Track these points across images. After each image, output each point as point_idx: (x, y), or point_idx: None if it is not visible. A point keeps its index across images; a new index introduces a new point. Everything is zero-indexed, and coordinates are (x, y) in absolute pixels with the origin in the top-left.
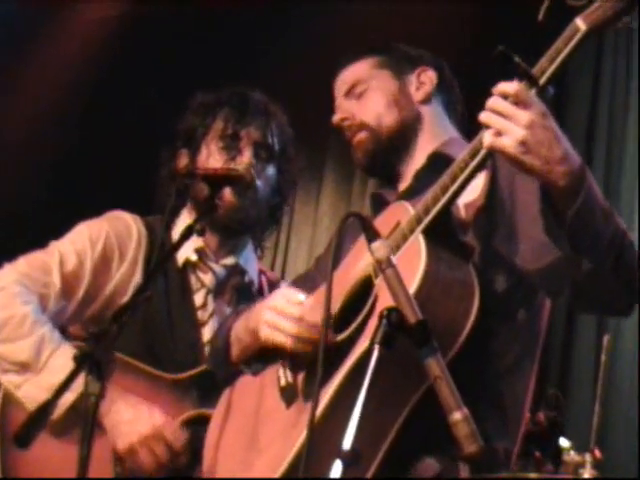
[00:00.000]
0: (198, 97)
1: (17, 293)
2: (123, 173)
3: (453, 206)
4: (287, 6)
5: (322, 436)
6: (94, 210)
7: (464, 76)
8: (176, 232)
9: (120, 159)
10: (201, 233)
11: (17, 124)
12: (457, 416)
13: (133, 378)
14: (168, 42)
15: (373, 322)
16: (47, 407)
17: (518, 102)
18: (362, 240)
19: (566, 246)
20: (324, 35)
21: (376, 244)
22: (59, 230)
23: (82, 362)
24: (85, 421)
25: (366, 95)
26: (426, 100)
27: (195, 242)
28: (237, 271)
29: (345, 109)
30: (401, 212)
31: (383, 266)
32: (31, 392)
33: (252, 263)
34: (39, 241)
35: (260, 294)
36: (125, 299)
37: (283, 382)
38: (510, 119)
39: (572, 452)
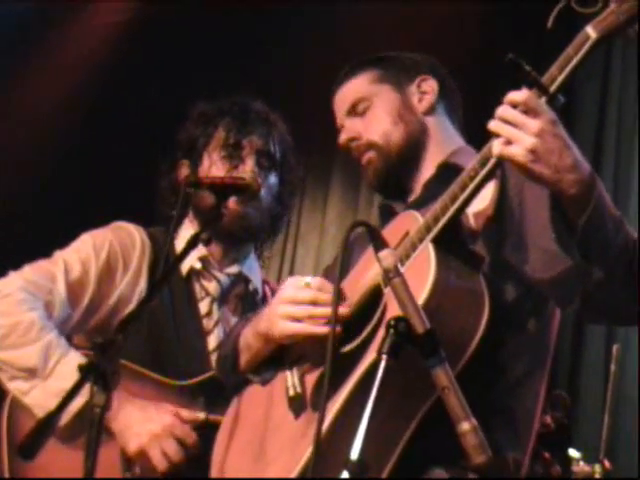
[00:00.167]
0: (198, 107)
1: (23, 300)
2: (130, 181)
3: (462, 215)
4: (290, 6)
5: (331, 447)
6: (96, 221)
7: (466, 77)
8: (179, 242)
9: (126, 166)
10: (207, 242)
11: (23, 127)
12: (465, 426)
13: (140, 385)
14: (176, 47)
15: (382, 332)
16: (51, 418)
17: (528, 110)
18: (371, 249)
19: (576, 255)
20: (326, 37)
21: (383, 253)
22: (62, 240)
23: (87, 372)
24: (90, 432)
25: (370, 113)
26: (430, 111)
27: (199, 251)
28: (241, 279)
29: (350, 129)
30: (410, 221)
31: (390, 275)
32: (39, 398)
33: (256, 272)
34: (42, 251)
35: (264, 303)
36: (129, 308)
37: (292, 392)
38: (520, 128)
39: (582, 463)
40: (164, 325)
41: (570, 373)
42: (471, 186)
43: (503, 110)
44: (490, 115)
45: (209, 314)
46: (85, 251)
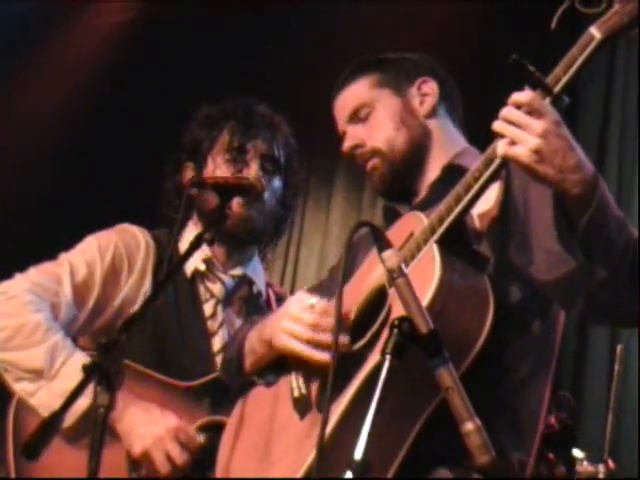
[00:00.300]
0: (203, 109)
1: (29, 301)
2: (132, 182)
3: (467, 216)
4: (290, 6)
5: (336, 448)
6: (98, 223)
7: (466, 77)
8: (183, 244)
9: (128, 166)
10: (211, 243)
11: (24, 128)
12: (469, 427)
13: (145, 386)
14: (177, 47)
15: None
16: (55, 419)
17: (532, 111)
18: (375, 250)
19: (579, 255)
20: (326, 37)
21: (387, 253)
22: (64, 242)
23: (91, 372)
24: (94, 433)
25: (372, 119)
26: (432, 113)
27: (203, 252)
28: (245, 282)
29: (353, 136)
30: (415, 222)
31: (394, 275)
32: (45, 399)
33: (260, 274)
34: (44, 254)
35: (268, 306)
36: (134, 308)
37: (296, 393)
38: (524, 128)
39: (585, 462)
40: (168, 326)
41: (574, 373)
42: (475, 187)
43: (507, 111)
44: (491, 115)
45: (213, 316)
46: (90, 253)
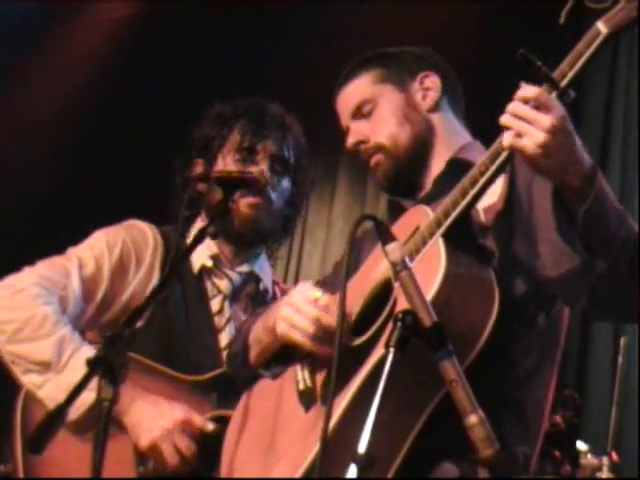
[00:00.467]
0: (215, 107)
1: (37, 295)
2: (135, 180)
3: (472, 210)
4: (290, 6)
5: (340, 441)
6: (99, 221)
7: (467, 77)
8: (191, 240)
9: (132, 164)
10: (214, 236)
11: (30, 124)
12: (473, 419)
13: (153, 380)
14: (177, 47)
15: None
16: (60, 413)
17: (539, 106)
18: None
19: (580, 248)
20: (326, 37)
21: (391, 246)
22: (66, 240)
23: (95, 366)
24: (98, 426)
25: (375, 114)
26: (435, 108)
27: (210, 249)
28: (252, 278)
29: (357, 132)
30: (421, 216)
31: (398, 268)
32: (52, 392)
33: (266, 272)
34: (53, 249)
35: (274, 303)
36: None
37: (302, 386)
38: (531, 123)
39: (589, 455)
40: (176, 321)
41: (578, 366)
42: (481, 181)
43: (515, 106)
44: (492, 113)
45: (221, 312)
46: (98, 248)
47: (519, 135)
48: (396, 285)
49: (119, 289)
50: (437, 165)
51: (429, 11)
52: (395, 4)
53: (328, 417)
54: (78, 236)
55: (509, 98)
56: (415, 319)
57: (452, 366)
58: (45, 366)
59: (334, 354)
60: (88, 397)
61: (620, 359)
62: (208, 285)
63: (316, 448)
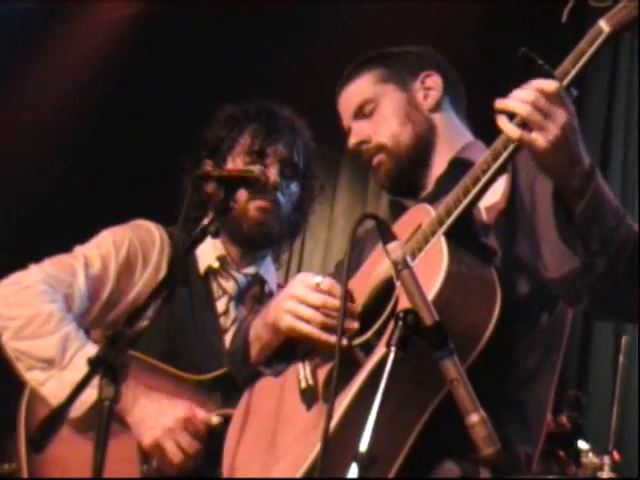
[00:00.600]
0: (226, 109)
1: (43, 292)
2: (137, 179)
3: (474, 209)
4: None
5: (342, 440)
6: (107, 220)
7: (467, 77)
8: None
9: (132, 163)
10: (215, 235)
11: (30, 124)
12: (474, 418)
13: (157, 379)
14: (177, 47)
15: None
16: (60, 412)
17: (554, 101)
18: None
19: (579, 248)
20: (326, 37)
21: (392, 245)
22: (73, 238)
23: (96, 366)
24: (99, 426)
25: (377, 114)
26: (436, 107)
27: (217, 250)
28: (257, 281)
29: (358, 132)
30: (423, 214)
31: (399, 267)
32: (55, 389)
33: (272, 275)
34: (53, 249)
35: None
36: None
37: (303, 384)
38: (548, 117)
39: (591, 454)
40: (182, 321)
41: (579, 365)
42: (483, 179)
43: (536, 98)
44: (493, 111)
45: (226, 313)
46: (105, 247)
47: (530, 128)
48: (398, 284)
49: (125, 289)
50: (439, 165)
51: (429, 11)
52: (395, 4)
53: (329, 416)
54: (78, 236)
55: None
56: (416, 318)
57: (453, 365)
58: (49, 363)
59: (336, 352)
60: (91, 395)
61: (621, 358)
62: (214, 286)
63: (318, 447)
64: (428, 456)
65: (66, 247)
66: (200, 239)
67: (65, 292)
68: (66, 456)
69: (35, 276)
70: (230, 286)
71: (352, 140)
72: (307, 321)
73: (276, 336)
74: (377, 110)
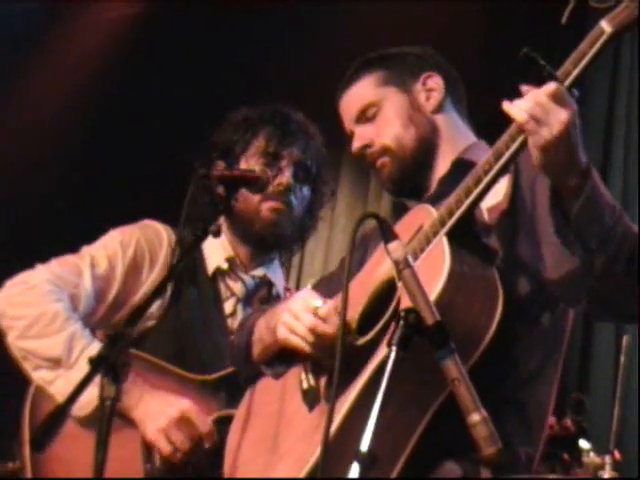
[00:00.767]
0: (240, 111)
1: (49, 291)
2: (137, 179)
3: (476, 209)
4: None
5: (344, 440)
6: (108, 220)
7: (467, 77)
8: (207, 244)
9: (132, 163)
10: (216, 234)
11: (30, 124)
12: (475, 418)
13: (162, 379)
14: (182, 42)
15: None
16: (62, 411)
17: (557, 101)
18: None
19: (577, 249)
20: (326, 37)
21: (393, 245)
22: (73, 238)
23: (98, 365)
24: (101, 425)
25: (379, 117)
26: (439, 109)
27: (225, 251)
28: (265, 283)
29: (362, 136)
30: (424, 215)
31: (400, 267)
32: (63, 388)
33: (279, 278)
34: (54, 250)
35: None
36: (157, 303)
37: (305, 385)
38: (551, 114)
39: (592, 453)
40: (190, 322)
41: (580, 364)
42: (485, 180)
43: (538, 97)
44: (494, 112)
45: (233, 314)
46: (112, 247)
47: (537, 123)
48: (399, 284)
49: (132, 289)
50: (442, 166)
51: (429, 11)
52: (395, 4)
53: (331, 417)
54: (78, 236)
55: (511, 98)
56: (417, 317)
57: (454, 364)
58: (55, 362)
59: (336, 356)
60: (97, 393)
61: (622, 358)
62: (222, 287)
63: (319, 448)
64: (429, 456)
65: (66, 247)
66: (201, 239)
67: (71, 292)
68: (72, 454)
69: (41, 276)
70: (238, 288)
71: (355, 144)
72: (299, 337)
73: (276, 341)
74: (379, 113)
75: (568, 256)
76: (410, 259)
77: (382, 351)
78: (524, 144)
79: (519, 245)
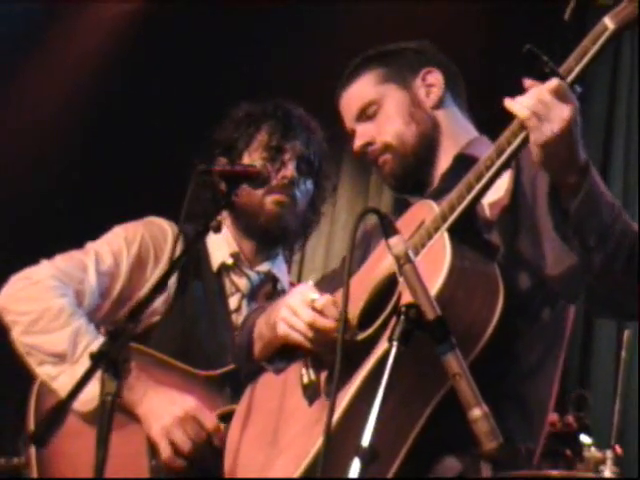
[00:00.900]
0: (241, 106)
1: (53, 287)
2: (137, 178)
3: (478, 205)
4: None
5: (345, 434)
6: (108, 219)
7: (468, 77)
8: (211, 239)
9: (132, 163)
10: (217, 230)
11: (30, 124)
12: (476, 413)
13: (167, 374)
14: (182, 41)
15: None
16: (63, 408)
17: (559, 97)
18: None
19: (576, 246)
20: (328, 34)
21: (394, 240)
22: (73, 238)
23: (98, 361)
24: (101, 421)
25: (380, 115)
26: (439, 104)
27: (231, 246)
28: (270, 279)
29: (363, 134)
30: (426, 210)
31: (401, 262)
32: (67, 384)
33: (284, 273)
34: (54, 249)
35: None
36: (159, 299)
37: (306, 380)
38: (553, 110)
39: (593, 448)
40: (196, 318)
41: (580, 359)
42: (487, 175)
43: (540, 93)
44: (494, 110)
45: (238, 310)
46: (117, 243)
47: (539, 119)
48: (401, 279)
49: (136, 285)
50: (444, 161)
51: (429, 11)
52: (395, 4)
53: (332, 410)
54: (78, 236)
55: (511, 96)
56: (418, 312)
57: (455, 359)
58: (60, 358)
59: (335, 351)
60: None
61: (623, 353)
62: (227, 283)
63: (320, 441)
64: (430, 450)
65: (66, 247)
66: (202, 235)
67: (76, 288)
68: (76, 450)
69: (46, 271)
70: (243, 283)
71: (357, 143)
72: (298, 332)
73: (277, 337)
74: (380, 111)
75: (568, 252)
76: (411, 254)
77: (382, 346)
78: (526, 140)
79: (520, 241)
